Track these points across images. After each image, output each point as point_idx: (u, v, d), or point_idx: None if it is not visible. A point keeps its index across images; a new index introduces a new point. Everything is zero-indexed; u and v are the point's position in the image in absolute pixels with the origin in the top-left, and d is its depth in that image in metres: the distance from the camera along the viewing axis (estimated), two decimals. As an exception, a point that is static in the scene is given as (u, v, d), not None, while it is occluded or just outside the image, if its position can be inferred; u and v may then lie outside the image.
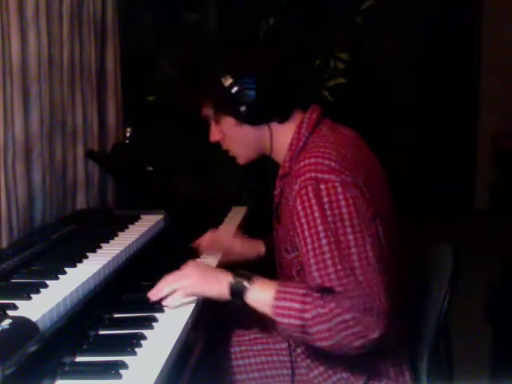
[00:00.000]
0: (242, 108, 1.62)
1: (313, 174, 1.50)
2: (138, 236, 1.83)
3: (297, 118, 1.67)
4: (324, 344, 1.46)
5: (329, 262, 1.46)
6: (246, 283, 1.52)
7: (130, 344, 1.34)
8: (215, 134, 1.73)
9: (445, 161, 5.96)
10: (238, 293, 1.53)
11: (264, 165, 1.76)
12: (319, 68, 3.83)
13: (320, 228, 1.47)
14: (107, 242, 1.77)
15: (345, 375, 1.62)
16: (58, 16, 2.12)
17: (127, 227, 1.94)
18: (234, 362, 1.72)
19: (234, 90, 1.61)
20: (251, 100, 1.61)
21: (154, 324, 1.47)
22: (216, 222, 2.34)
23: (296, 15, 3.79)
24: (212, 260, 1.94)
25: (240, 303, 1.53)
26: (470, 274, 1.94)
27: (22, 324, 1.19)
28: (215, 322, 1.79)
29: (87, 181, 2.34)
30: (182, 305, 1.57)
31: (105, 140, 2.51)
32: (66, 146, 2.20)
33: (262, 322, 1.87)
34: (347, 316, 1.42)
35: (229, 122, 1.67)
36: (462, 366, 1.93)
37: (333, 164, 1.50)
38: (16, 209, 1.86)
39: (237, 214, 2.50)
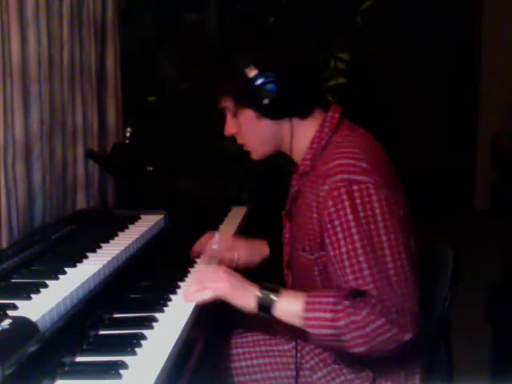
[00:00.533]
0: (265, 101, 1.58)
1: (345, 176, 1.48)
2: (138, 236, 1.83)
3: (318, 115, 1.65)
4: (360, 350, 1.46)
5: (364, 265, 1.45)
6: (273, 296, 1.51)
7: (130, 344, 1.34)
8: (231, 127, 1.69)
9: (445, 161, 5.95)
10: (265, 306, 1.52)
11: (264, 165, 1.75)
12: (319, 68, 3.83)
13: (354, 230, 1.46)
14: (107, 241, 1.77)
15: (349, 377, 1.61)
16: (58, 16, 2.12)
17: (127, 227, 1.94)
18: (237, 364, 1.71)
19: (258, 81, 1.57)
20: (274, 93, 1.57)
21: (154, 324, 1.46)
22: (216, 221, 2.34)
23: (296, 15, 3.79)
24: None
25: (267, 316, 1.52)
26: (469, 274, 1.94)
27: (22, 324, 1.19)
28: (216, 323, 1.78)
29: (87, 181, 2.34)
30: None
31: (105, 140, 2.51)
32: (66, 145, 2.20)
33: (264, 324, 1.87)
34: (380, 321, 1.42)
35: (249, 114, 1.63)
36: (462, 366, 1.93)
37: (364, 165, 1.49)
38: (16, 209, 1.86)
39: (237, 214, 2.50)
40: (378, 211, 1.46)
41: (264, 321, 1.64)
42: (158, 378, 1.21)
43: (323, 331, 1.47)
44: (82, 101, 2.30)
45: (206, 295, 1.57)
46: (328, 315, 1.45)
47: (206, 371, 1.66)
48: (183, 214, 2.31)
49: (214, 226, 2.29)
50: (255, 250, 1.94)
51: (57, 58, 2.11)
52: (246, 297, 1.54)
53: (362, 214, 1.46)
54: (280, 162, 3.05)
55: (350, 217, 1.47)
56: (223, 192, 3.50)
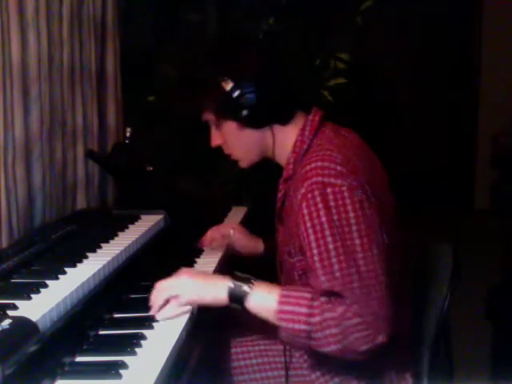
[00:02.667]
0: (244, 112, 1.60)
1: (319, 178, 1.48)
2: (137, 236, 1.83)
3: (299, 120, 1.66)
4: (330, 349, 1.44)
5: (336, 267, 1.44)
6: (246, 287, 1.48)
7: (130, 344, 1.34)
8: (216, 139, 1.72)
9: (445, 161, 5.96)
10: (237, 298, 1.48)
11: (265, 165, 1.76)
12: (319, 68, 3.83)
13: (327, 232, 1.46)
14: (107, 241, 1.77)
15: (347, 376, 1.61)
16: (58, 16, 2.12)
17: (127, 227, 1.94)
18: (236, 363, 1.72)
19: (236, 94, 1.59)
20: (253, 103, 1.60)
21: (154, 324, 1.47)
22: (216, 221, 2.34)
23: (296, 15, 3.79)
24: (212, 259, 1.94)
25: (239, 308, 1.49)
26: (470, 274, 1.94)
27: (22, 324, 1.19)
28: (215, 323, 1.79)
29: (87, 181, 2.34)
30: (176, 315, 1.51)
31: (105, 140, 2.51)
32: (66, 146, 2.20)
33: (262, 323, 1.87)
34: (357, 320, 1.41)
35: (231, 126, 1.65)
36: (462, 366, 1.93)
37: (339, 167, 1.49)
38: (16, 209, 1.86)
39: (237, 214, 2.50)
40: (351, 214, 1.46)
41: (263, 320, 1.60)
42: (157, 378, 1.21)
43: (296, 326, 1.44)
44: (82, 101, 2.30)
45: (171, 310, 1.51)
46: (303, 310, 1.43)
47: (205, 371, 1.66)
48: (183, 214, 2.31)
49: (214, 226, 2.29)
50: (250, 240, 2.03)
51: (57, 59, 2.11)
52: (216, 290, 1.50)
53: (335, 217, 1.46)
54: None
55: (324, 219, 1.46)
56: (223, 192, 3.50)
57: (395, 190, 1.68)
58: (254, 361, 1.71)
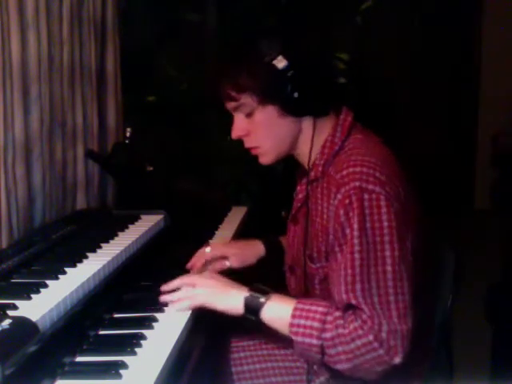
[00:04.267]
0: (295, 94, 1.45)
1: (357, 184, 1.40)
2: (137, 236, 1.83)
3: (331, 117, 1.55)
4: (342, 366, 1.39)
5: (357, 278, 1.37)
6: (262, 299, 1.45)
7: (130, 344, 1.34)
8: (241, 129, 1.56)
9: (445, 161, 5.96)
10: (253, 308, 1.45)
11: (265, 165, 1.72)
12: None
13: (356, 241, 1.38)
14: (107, 241, 1.77)
15: (350, 382, 1.57)
16: (58, 16, 2.12)
17: (127, 227, 1.94)
18: (239, 368, 1.69)
19: (289, 74, 1.44)
20: (304, 87, 1.46)
21: (154, 324, 1.46)
22: (216, 221, 2.34)
23: (296, 15, 3.79)
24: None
25: (254, 319, 1.45)
26: (470, 274, 1.94)
27: (22, 324, 1.19)
28: (216, 325, 1.77)
29: (87, 181, 2.34)
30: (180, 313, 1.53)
31: (105, 140, 2.51)
32: (66, 145, 2.20)
33: (265, 327, 1.85)
34: (367, 339, 1.35)
35: (271, 111, 1.50)
36: (462, 366, 1.93)
37: (378, 174, 1.41)
38: (16, 209, 1.86)
39: (237, 214, 2.50)
40: (385, 224, 1.38)
41: (265, 324, 1.57)
42: (157, 378, 1.21)
43: (308, 340, 1.39)
44: (82, 101, 2.30)
45: (185, 307, 1.52)
46: (316, 324, 1.39)
47: (206, 375, 1.65)
48: (183, 214, 2.31)
49: (214, 226, 2.29)
50: (249, 253, 1.86)
51: (57, 58, 2.11)
52: (233, 299, 1.47)
53: (368, 225, 1.38)
54: (279, 163, 3.05)
55: (356, 226, 1.38)
56: (223, 192, 3.50)
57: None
58: (257, 366, 1.69)
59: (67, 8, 2.16)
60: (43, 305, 1.29)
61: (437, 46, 5.81)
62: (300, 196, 1.62)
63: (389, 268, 1.37)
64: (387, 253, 1.38)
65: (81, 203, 2.31)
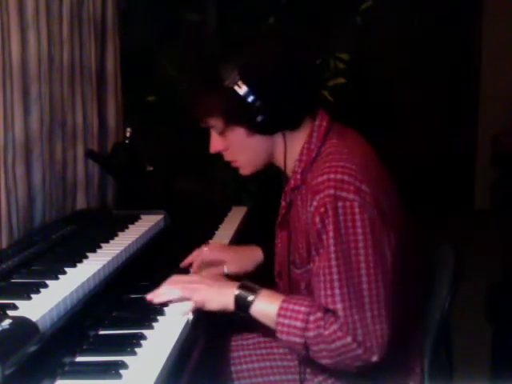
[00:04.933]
0: (259, 118, 1.51)
1: (331, 191, 1.43)
2: (137, 236, 1.83)
3: (306, 125, 1.58)
4: (325, 361, 1.47)
5: (335, 284, 1.43)
6: (250, 296, 1.50)
7: (130, 344, 1.34)
8: (217, 145, 1.62)
9: (445, 160, 5.96)
10: (242, 305, 1.50)
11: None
12: (319, 68, 3.83)
13: (332, 248, 1.43)
14: (107, 241, 1.77)
15: (352, 380, 1.59)
16: (58, 16, 2.12)
17: (127, 227, 1.94)
18: (238, 367, 1.70)
19: (250, 98, 1.49)
20: (267, 108, 1.50)
21: (154, 324, 1.47)
22: (216, 221, 2.34)
23: (296, 15, 3.79)
24: None
25: (244, 315, 1.51)
26: (470, 274, 1.94)
27: (22, 324, 1.19)
28: (216, 325, 1.78)
29: (87, 181, 2.34)
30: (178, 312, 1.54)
31: (105, 140, 2.51)
32: (66, 145, 2.20)
33: (264, 326, 1.86)
34: (347, 340, 1.42)
35: (239, 132, 1.56)
36: (462, 366, 1.93)
37: (353, 180, 1.44)
38: (16, 209, 1.86)
39: (237, 214, 2.50)
40: (359, 230, 1.42)
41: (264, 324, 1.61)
42: (158, 378, 1.21)
43: (292, 339, 1.46)
44: (82, 101, 2.30)
45: (181, 310, 1.54)
46: (298, 324, 1.45)
47: (206, 375, 1.65)
48: (183, 214, 2.31)
49: (214, 225, 2.29)
50: (246, 259, 1.88)
51: (57, 58, 2.11)
52: (225, 296, 1.52)
53: (343, 231, 1.43)
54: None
55: (331, 234, 1.43)
56: (223, 192, 3.50)
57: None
58: (255, 365, 1.70)
59: (67, 8, 2.16)
60: (43, 305, 1.29)
61: (437, 46, 5.81)
62: (283, 203, 1.67)
63: (363, 272, 1.42)
64: (362, 258, 1.43)
65: (81, 203, 2.31)
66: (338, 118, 1.65)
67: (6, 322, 1.17)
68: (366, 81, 4.92)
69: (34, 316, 1.23)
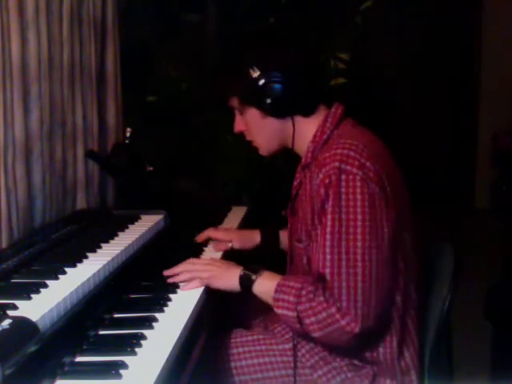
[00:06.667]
0: (268, 100, 1.65)
1: (337, 164, 1.53)
2: (137, 236, 1.83)
3: (321, 113, 1.71)
4: (316, 334, 1.53)
5: (328, 250, 1.51)
6: (253, 276, 1.65)
7: (130, 344, 1.34)
8: (240, 125, 1.78)
9: (445, 160, 5.96)
10: (246, 283, 1.65)
11: (265, 165, 1.76)
12: (320, 67, 3.83)
13: (329, 217, 1.52)
14: (107, 242, 1.77)
15: (349, 375, 1.62)
16: (58, 16, 2.12)
17: (127, 227, 1.94)
18: (238, 363, 1.72)
19: (261, 82, 1.64)
20: (277, 93, 1.65)
21: (154, 324, 1.46)
22: (216, 221, 2.35)
23: (296, 15, 3.79)
24: (216, 254, 1.98)
25: (249, 294, 1.65)
26: (470, 274, 1.94)
27: (22, 324, 1.19)
28: (216, 323, 1.79)
29: (87, 181, 2.34)
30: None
31: (105, 140, 2.51)
32: (66, 145, 2.20)
33: (264, 323, 1.88)
34: (332, 310, 1.49)
35: (254, 113, 1.71)
36: (462, 366, 1.93)
37: (358, 156, 1.54)
38: (16, 209, 1.86)
39: (237, 214, 2.51)
40: (359, 203, 1.51)
41: (263, 320, 1.70)
42: (157, 378, 1.21)
43: (286, 312, 1.56)
44: (82, 101, 2.30)
45: (194, 287, 1.69)
46: (291, 298, 1.55)
47: (206, 371, 1.67)
48: (183, 214, 2.31)
49: (214, 226, 2.29)
50: (248, 239, 2.06)
51: (57, 58, 2.11)
52: (231, 276, 1.68)
53: (343, 203, 1.51)
54: (279, 163, 3.06)
55: (331, 202, 1.52)
56: (223, 192, 3.50)
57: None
58: (255, 360, 1.71)
59: (67, 8, 2.16)
60: (43, 305, 1.29)
61: (437, 46, 5.81)
62: (295, 183, 1.76)
63: (358, 244, 1.50)
64: (358, 230, 1.51)
65: (81, 203, 2.31)
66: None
67: (6, 322, 1.16)
68: (366, 81, 4.91)
69: (34, 316, 1.23)
